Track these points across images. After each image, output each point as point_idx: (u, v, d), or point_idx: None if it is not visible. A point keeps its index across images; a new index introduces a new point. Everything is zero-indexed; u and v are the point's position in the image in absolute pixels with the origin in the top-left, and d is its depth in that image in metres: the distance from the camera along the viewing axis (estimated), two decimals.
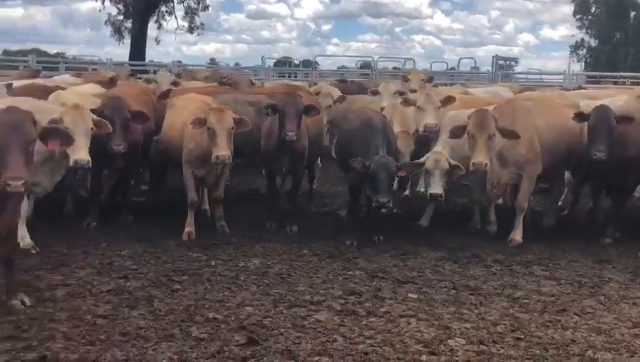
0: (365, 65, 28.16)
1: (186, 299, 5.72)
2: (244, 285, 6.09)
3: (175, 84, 10.81)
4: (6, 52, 39.97)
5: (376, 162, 6.97)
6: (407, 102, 8.41)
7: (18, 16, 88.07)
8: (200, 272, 6.42)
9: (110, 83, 9.94)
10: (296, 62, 45.58)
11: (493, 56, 22.17)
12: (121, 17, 44.00)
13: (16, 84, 9.23)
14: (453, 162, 7.53)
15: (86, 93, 8.64)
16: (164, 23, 45.75)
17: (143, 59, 39.60)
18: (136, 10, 42.20)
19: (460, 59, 25.26)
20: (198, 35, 48.24)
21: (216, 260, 6.82)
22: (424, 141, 8.38)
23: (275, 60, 45.78)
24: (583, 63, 62.83)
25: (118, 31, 44.38)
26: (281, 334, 4.99)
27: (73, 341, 4.79)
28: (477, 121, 7.11)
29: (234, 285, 6.09)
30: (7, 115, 4.68)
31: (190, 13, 46.19)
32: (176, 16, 45.52)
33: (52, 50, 50.62)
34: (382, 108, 9.24)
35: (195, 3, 46.48)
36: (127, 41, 44.59)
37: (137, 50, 42.04)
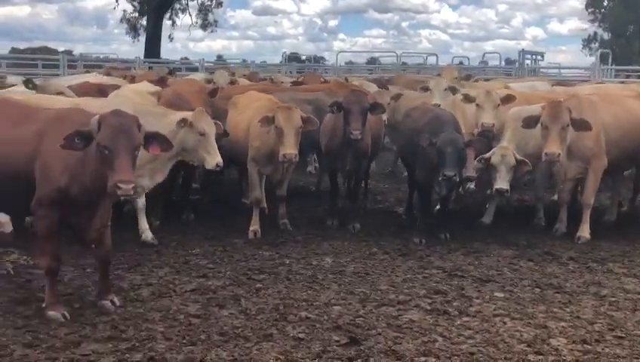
0: (371, 61, 28.17)
1: (271, 297, 5.70)
2: (324, 284, 6.07)
3: (232, 82, 10.80)
4: (14, 50, 39.93)
5: (443, 138, 6.92)
6: (467, 100, 8.33)
7: (25, 15, 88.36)
8: (277, 271, 6.41)
9: (160, 82, 9.91)
10: (303, 57, 45.60)
11: (519, 51, 22.03)
12: (137, 14, 44.03)
13: (70, 83, 9.25)
14: (519, 157, 7.45)
15: (142, 91, 8.65)
16: (177, 20, 45.83)
17: (158, 56, 39.57)
18: (151, 8, 42.24)
19: (485, 53, 25.14)
20: (212, 31, 48.33)
21: (289, 258, 6.80)
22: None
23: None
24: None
25: (133, 28, 44.39)
26: (379, 334, 4.96)
27: (173, 341, 4.79)
28: (551, 112, 7.05)
29: (315, 284, 6.07)
30: (116, 119, 4.66)
31: (204, 10, 46.20)
32: (190, 13, 45.53)
33: (59, 48, 50.64)
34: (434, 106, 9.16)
35: (208, 0, 46.50)
36: (142, 38, 44.79)
37: (152, 47, 42.07)
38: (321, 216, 8.39)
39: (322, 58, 29.22)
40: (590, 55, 62.43)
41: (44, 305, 5.21)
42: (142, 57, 28.69)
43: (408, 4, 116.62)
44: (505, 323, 5.20)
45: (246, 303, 5.54)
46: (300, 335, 4.91)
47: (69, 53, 44.97)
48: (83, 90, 8.68)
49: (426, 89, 10.17)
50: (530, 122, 7.26)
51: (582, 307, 5.56)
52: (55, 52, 43.68)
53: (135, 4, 43.56)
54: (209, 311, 5.35)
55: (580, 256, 6.98)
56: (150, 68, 23.84)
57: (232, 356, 4.58)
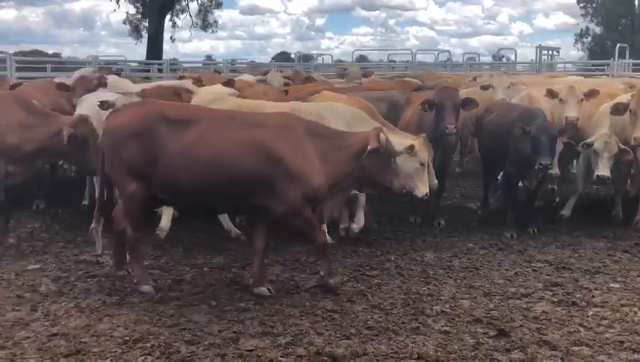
0: (361, 59, 28.27)
1: (395, 292, 5.84)
2: (439, 278, 6.22)
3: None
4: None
5: (537, 126, 7.09)
6: (551, 95, 8.49)
7: (11, 18, 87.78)
8: (385, 266, 6.55)
9: (228, 84, 9.97)
10: (293, 56, 45.49)
11: (536, 47, 22.26)
12: (139, 16, 43.95)
13: (145, 86, 9.33)
14: (622, 145, 7.60)
15: (223, 93, 8.75)
16: (177, 21, 45.75)
17: (160, 57, 39.53)
18: (153, 9, 42.15)
19: (500, 49, 25.32)
20: (213, 32, 48.28)
21: (390, 254, 6.94)
22: None
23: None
24: (588, 52, 62.84)
25: (136, 29, 44.30)
26: (522, 326, 5.11)
27: (326, 335, 4.91)
28: None
29: (430, 278, 6.22)
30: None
31: (203, 10, 46.15)
32: (190, 14, 45.48)
33: (48, 50, 50.21)
34: None
35: (208, 0, 46.47)
36: (141, 39, 44.66)
37: (155, 48, 42.01)
38: (401, 213, 8.50)
39: (312, 56, 29.19)
40: (582, 50, 63.12)
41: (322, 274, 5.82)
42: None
43: (395, 1, 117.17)
44: (635, 312, 5.38)
45: (374, 298, 5.68)
46: (446, 329, 5.06)
47: (57, 55, 44.80)
48: (159, 94, 8.74)
49: (486, 87, 10.30)
50: (619, 109, 7.45)
51: None
52: (46, 55, 43.49)
53: (138, 5, 43.44)
54: (343, 307, 5.48)
55: None
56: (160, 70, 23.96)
57: (392, 348, 4.71)
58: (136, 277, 5.79)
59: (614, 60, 20.44)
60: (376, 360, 4.56)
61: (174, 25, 45.58)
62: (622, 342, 4.82)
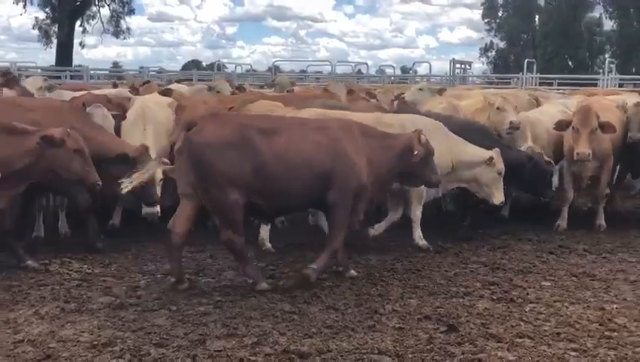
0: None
1: (347, 293, 6.12)
2: (386, 280, 6.57)
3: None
4: None
5: None
6: (489, 105, 9.05)
7: None
8: (334, 270, 6.81)
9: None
10: (204, 64, 45.28)
11: (450, 60, 23.24)
12: (49, 21, 42.84)
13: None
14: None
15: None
16: (88, 27, 44.86)
17: (70, 63, 38.74)
18: (64, 15, 41.20)
19: (415, 63, 26.10)
20: (124, 38, 47.63)
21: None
22: None
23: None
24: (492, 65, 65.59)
25: (46, 35, 43.17)
26: (468, 321, 5.51)
27: (289, 335, 5.15)
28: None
29: (377, 280, 6.55)
30: None
31: (116, 16, 45.44)
32: (102, 20, 44.72)
33: None
34: None
35: (120, 7, 45.81)
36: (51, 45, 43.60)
37: (65, 55, 41.10)
38: None
39: (224, 65, 29.27)
40: (486, 63, 65.87)
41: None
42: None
43: (305, 12, 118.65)
44: (567, 307, 5.89)
45: (327, 299, 5.96)
46: (400, 326, 5.40)
47: None
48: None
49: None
50: (562, 125, 8.36)
51: (622, 291, 6.35)
52: None
53: (47, 10, 42.34)
54: (300, 308, 5.73)
55: (591, 248, 7.82)
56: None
57: (353, 345, 5.00)
58: (252, 278, 6.18)
59: (523, 74, 21.62)
60: (341, 356, 4.83)
61: (84, 31, 44.73)
62: (559, 334, 5.29)
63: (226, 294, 6.02)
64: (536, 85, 21.19)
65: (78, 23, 43.40)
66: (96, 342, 4.92)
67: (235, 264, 6.75)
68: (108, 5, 44.86)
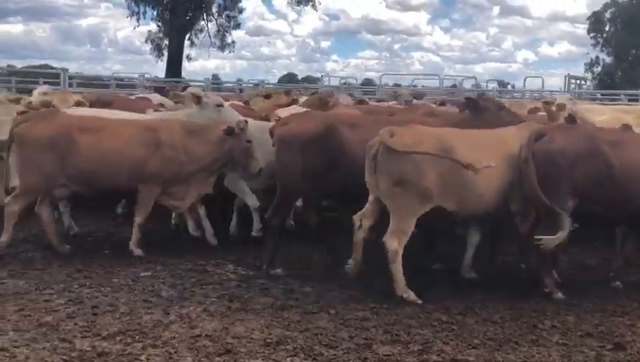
0: (367, 82, 28.52)
1: (500, 307, 6.12)
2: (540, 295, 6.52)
3: None
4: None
5: None
6: None
7: (18, 32, 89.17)
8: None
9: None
10: (299, 78, 45.72)
11: (565, 75, 22.76)
12: (161, 35, 44.67)
13: None
14: None
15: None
16: (196, 41, 46.38)
17: (180, 75, 40.13)
18: (174, 29, 42.79)
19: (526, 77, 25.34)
20: (230, 52, 48.99)
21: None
22: None
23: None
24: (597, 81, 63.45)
25: (157, 48, 45.05)
26: (633, 340, 5.41)
27: (452, 344, 5.20)
28: None
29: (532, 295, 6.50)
30: None
31: (222, 31, 46.80)
32: (209, 34, 46.12)
33: (55, 65, 50.61)
34: None
35: (227, 21, 47.14)
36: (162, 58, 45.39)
37: (175, 67, 42.64)
38: None
39: (318, 79, 29.64)
40: (592, 79, 63.68)
41: None
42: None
43: (401, 25, 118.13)
44: None
45: (481, 312, 5.98)
46: (563, 341, 5.35)
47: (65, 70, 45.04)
48: None
49: None
50: None
51: None
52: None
53: (159, 24, 44.20)
54: (456, 319, 5.77)
55: None
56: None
57: (520, 358, 5.01)
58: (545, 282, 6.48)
59: None
60: None
61: (192, 44, 46.32)
62: None
63: (379, 301, 6.12)
64: None
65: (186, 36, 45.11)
66: (269, 340, 5.12)
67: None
68: (215, 20, 46.35)
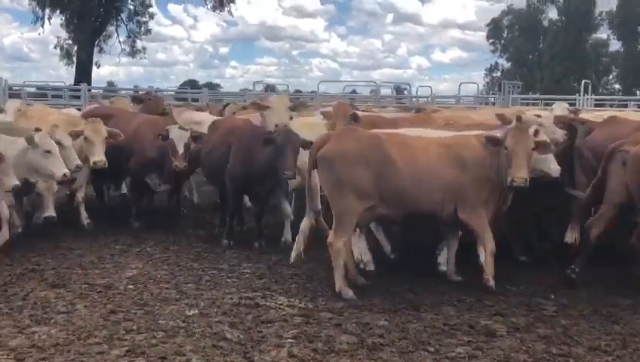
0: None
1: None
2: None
3: None
4: None
5: None
6: None
7: None
8: None
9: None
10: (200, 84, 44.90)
11: (502, 82, 23.02)
12: (70, 41, 42.77)
13: None
14: None
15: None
16: (105, 47, 44.74)
17: (90, 82, 38.51)
18: (84, 35, 41.18)
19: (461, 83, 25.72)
20: (140, 58, 47.59)
21: None
22: None
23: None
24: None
25: (67, 55, 43.08)
26: None
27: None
28: None
29: None
30: None
31: (132, 37, 45.43)
32: (119, 40, 44.67)
33: None
34: None
35: (137, 27, 45.81)
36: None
37: (84, 73, 41.03)
38: None
39: (217, 85, 29.14)
40: (492, 83, 65.82)
41: None
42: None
43: (299, 32, 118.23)
44: None
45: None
46: None
47: None
48: None
49: None
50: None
51: None
52: None
53: (69, 31, 42.37)
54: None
55: None
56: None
57: None
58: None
59: (580, 95, 21.28)
60: None
61: (101, 50, 44.55)
62: None
63: (468, 332, 5.58)
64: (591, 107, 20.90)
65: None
66: None
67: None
68: (125, 25, 44.87)
